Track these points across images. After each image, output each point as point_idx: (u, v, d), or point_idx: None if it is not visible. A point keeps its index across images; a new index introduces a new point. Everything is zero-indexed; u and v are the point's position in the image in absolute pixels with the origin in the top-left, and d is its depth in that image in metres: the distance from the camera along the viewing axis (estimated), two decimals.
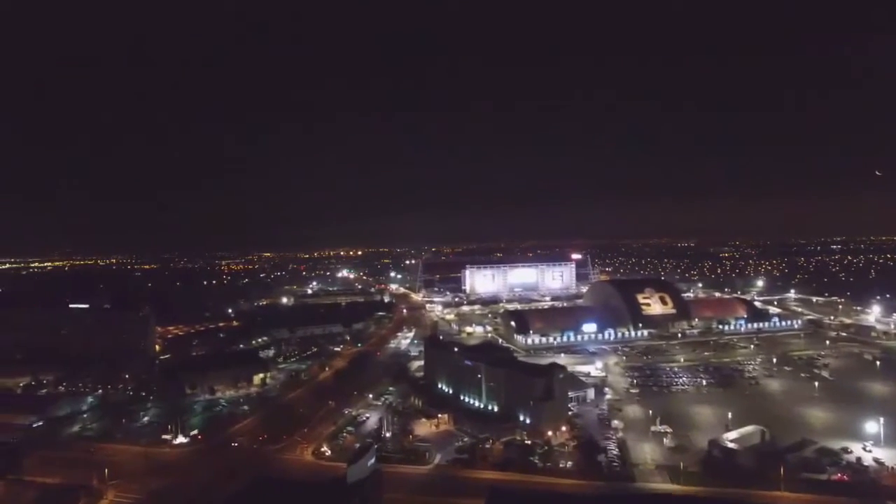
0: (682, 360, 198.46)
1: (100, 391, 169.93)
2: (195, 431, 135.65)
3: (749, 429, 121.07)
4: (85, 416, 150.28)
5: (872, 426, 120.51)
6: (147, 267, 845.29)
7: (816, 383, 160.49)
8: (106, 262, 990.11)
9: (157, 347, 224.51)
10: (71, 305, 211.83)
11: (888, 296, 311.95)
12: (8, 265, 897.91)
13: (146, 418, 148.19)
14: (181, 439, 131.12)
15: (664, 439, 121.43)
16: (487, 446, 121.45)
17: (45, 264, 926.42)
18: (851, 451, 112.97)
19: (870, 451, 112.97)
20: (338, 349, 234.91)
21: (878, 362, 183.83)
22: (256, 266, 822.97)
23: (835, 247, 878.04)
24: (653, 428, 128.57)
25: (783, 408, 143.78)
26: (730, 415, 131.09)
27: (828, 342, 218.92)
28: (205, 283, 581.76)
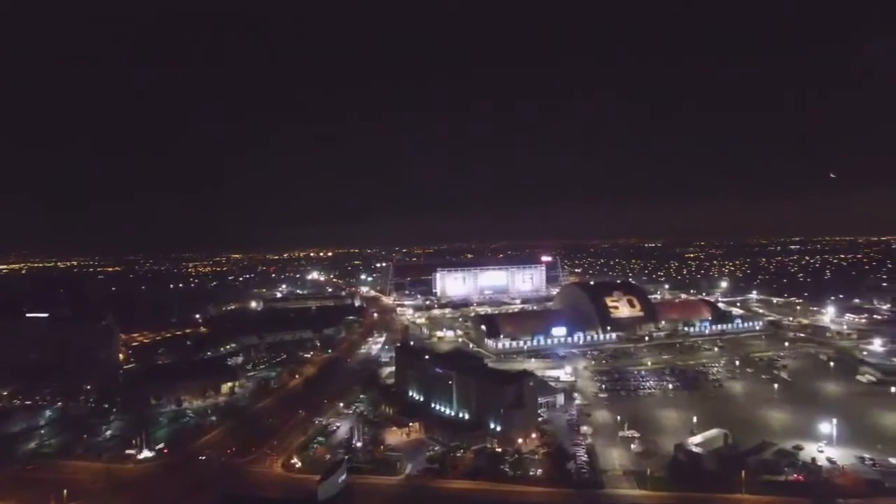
0: (649, 363, 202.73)
1: (59, 404, 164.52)
2: (161, 445, 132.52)
3: (712, 432, 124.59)
4: (42, 431, 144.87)
5: (826, 427, 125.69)
6: (111, 269, 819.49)
7: (776, 385, 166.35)
8: (66, 265, 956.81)
9: (121, 356, 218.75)
10: (28, 314, 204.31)
11: (841, 296, 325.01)
12: None
13: (109, 432, 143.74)
14: (146, 453, 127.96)
15: (632, 445, 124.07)
16: (458, 455, 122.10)
17: (1, 267, 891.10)
18: (803, 448, 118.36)
19: (822, 451, 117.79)
20: (308, 355, 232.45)
21: (831, 363, 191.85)
22: (225, 268, 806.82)
23: (793, 247, 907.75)
24: (621, 433, 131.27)
25: (745, 410, 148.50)
26: (695, 419, 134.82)
27: (787, 343, 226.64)
28: (171, 286, 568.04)
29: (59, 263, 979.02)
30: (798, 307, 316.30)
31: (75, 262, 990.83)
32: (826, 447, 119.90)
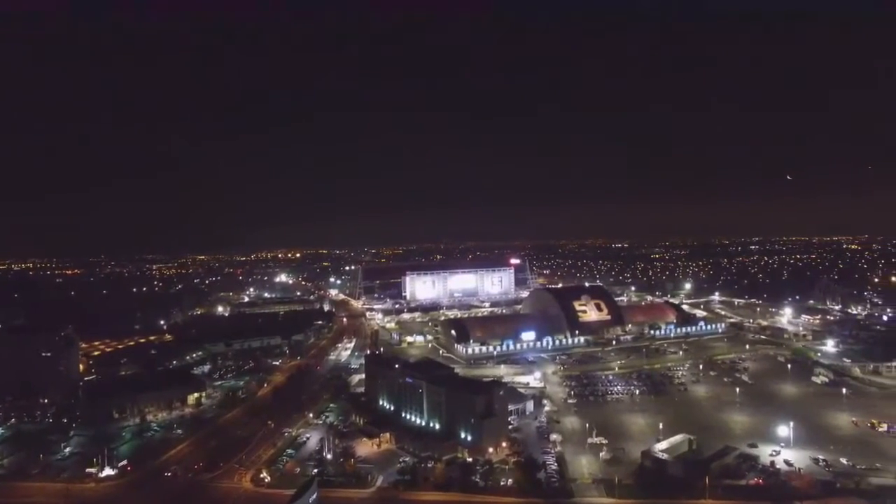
0: (616, 367, 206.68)
1: (13, 420, 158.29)
2: (124, 462, 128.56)
3: (678, 438, 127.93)
4: None
5: (783, 429, 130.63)
6: (70, 272, 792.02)
7: (738, 389, 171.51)
8: (21, 267, 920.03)
9: (81, 367, 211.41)
10: None
11: (798, 297, 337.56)
12: None
13: (68, 449, 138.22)
14: (108, 471, 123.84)
15: (600, 452, 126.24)
16: (430, 465, 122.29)
17: None
18: (757, 446, 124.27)
19: (777, 454, 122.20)
20: (276, 363, 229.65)
21: (789, 364, 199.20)
22: (190, 270, 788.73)
23: (753, 247, 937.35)
24: (589, 440, 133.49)
25: (708, 414, 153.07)
26: (661, 425, 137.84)
27: (747, 346, 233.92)
28: (134, 289, 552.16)
29: (12, 265, 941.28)
30: (758, 308, 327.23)
31: (31, 264, 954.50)
32: (784, 449, 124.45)
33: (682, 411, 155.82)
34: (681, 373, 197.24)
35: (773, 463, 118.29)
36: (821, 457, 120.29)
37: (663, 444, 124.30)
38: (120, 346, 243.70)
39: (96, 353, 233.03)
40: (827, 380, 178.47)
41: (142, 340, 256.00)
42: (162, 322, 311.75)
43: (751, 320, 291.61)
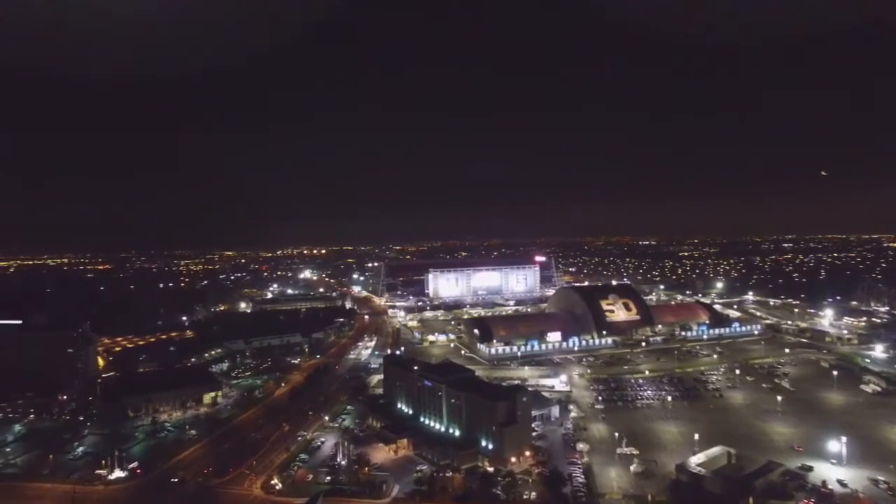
0: (646, 370, 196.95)
1: (31, 417, 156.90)
2: (134, 464, 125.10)
3: (715, 450, 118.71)
4: (9, 448, 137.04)
5: (834, 443, 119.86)
6: (101, 267, 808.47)
7: (779, 397, 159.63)
8: (57, 262, 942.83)
9: (101, 362, 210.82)
10: (1, 321, 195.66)
11: (839, 298, 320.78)
12: None
13: (80, 449, 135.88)
14: (118, 473, 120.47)
15: (631, 465, 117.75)
16: (448, 475, 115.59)
17: None
18: (812, 469, 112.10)
19: (810, 469, 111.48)
20: (295, 361, 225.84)
21: (834, 371, 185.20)
22: (217, 266, 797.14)
23: (786, 245, 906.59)
24: (619, 450, 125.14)
25: (747, 424, 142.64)
26: (696, 435, 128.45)
27: (787, 350, 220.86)
28: (161, 285, 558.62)
29: (49, 261, 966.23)
30: (795, 309, 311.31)
31: (65, 260, 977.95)
32: (836, 467, 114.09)
33: (718, 420, 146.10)
34: (715, 377, 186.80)
35: (824, 482, 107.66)
36: (881, 478, 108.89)
37: (700, 457, 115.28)
38: (141, 343, 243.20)
39: (118, 349, 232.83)
40: (879, 389, 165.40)
41: (163, 337, 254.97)
42: (185, 318, 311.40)
43: (788, 322, 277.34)
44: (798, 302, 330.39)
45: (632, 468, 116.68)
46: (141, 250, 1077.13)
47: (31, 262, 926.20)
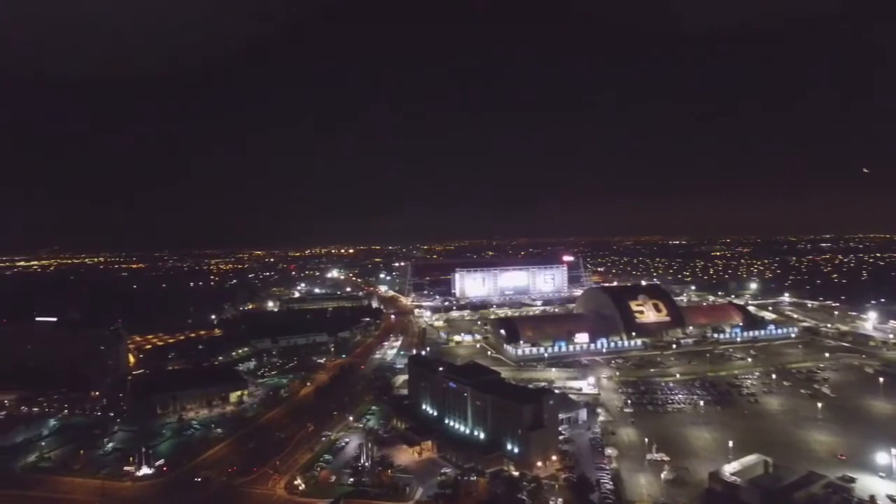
0: (676, 373, 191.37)
1: (65, 412, 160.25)
2: (161, 461, 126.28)
3: (751, 459, 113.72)
4: (44, 442, 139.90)
5: (882, 456, 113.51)
6: (135, 266, 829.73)
7: (819, 404, 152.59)
8: (94, 261, 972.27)
9: (132, 360, 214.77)
10: (37, 318, 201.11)
11: (883, 300, 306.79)
12: None
13: (110, 445, 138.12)
14: (145, 470, 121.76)
15: (662, 472, 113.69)
16: (472, 479, 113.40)
17: (31, 263, 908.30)
18: (855, 480, 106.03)
19: (852, 481, 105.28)
20: (321, 361, 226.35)
21: (880, 378, 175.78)
22: (246, 265, 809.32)
23: (824, 245, 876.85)
24: (649, 456, 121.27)
25: (785, 431, 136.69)
26: (731, 442, 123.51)
27: (826, 354, 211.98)
28: (191, 284, 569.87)
29: (87, 259, 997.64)
30: (835, 312, 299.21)
31: (102, 259, 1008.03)
32: (885, 481, 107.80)
33: (754, 426, 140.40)
34: (750, 381, 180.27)
35: (873, 497, 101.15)
36: None
37: (734, 466, 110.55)
38: (171, 341, 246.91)
39: (148, 346, 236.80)
40: None
41: (191, 335, 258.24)
42: (213, 317, 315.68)
43: (828, 325, 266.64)
44: (838, 304, 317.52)
45: (662, 475, 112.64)
46: (174, 250, 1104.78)
47: (69, 262, 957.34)
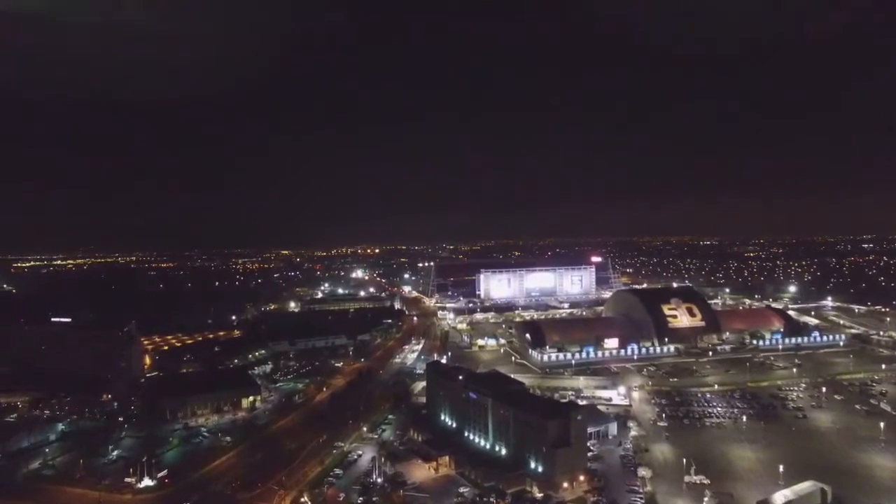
0: (714, 384, 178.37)
1: (74, 417, 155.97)
2: (164, 472, 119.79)
3: (805, 486, 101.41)
4: (48, 448, 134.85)
5: None
6: (164, 265, 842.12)
7: (882, 423, 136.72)
8: (126, 260, 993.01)
9: (148, 361, 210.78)
10: (53, 319, 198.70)
11: None
12: (33, 262, 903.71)
13: (116, 452, 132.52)
14: (147, 482, 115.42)
15: (704, 498, 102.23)
16: (492, 500, 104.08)
17: (67, 262, 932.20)
18: None
19: None
20: (339, 364, 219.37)
21: None
22: (272, 265, 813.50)
23: (866, 246, 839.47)
24: (686, 478, 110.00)
25: (841, 453, 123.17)
26: (781, 466, 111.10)
27: (883, 365, 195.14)
28: (217, 283, 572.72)
29: (119, 259, 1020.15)
30: (887, 318, 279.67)
31: (134, 258, 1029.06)
32: None
33: (804, 446, 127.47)
34: (796, 394, 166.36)
35: None
36: None
37: (786, 494, 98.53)
38: (188, 342, 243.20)
39: (165, 347, 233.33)
40: None
41: (210, 336, 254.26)
42: (233, 317, 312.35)
43: (880, 332, 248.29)
44: (888, 309, 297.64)
45: (704, 502, 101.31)
46: (203, 249, 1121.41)
47: (103, 260, 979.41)
